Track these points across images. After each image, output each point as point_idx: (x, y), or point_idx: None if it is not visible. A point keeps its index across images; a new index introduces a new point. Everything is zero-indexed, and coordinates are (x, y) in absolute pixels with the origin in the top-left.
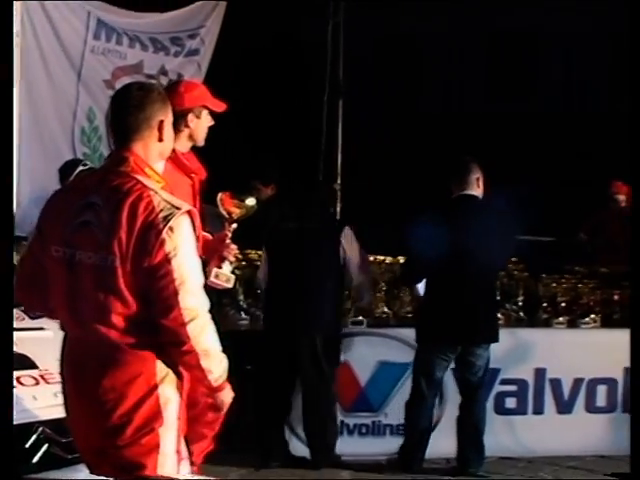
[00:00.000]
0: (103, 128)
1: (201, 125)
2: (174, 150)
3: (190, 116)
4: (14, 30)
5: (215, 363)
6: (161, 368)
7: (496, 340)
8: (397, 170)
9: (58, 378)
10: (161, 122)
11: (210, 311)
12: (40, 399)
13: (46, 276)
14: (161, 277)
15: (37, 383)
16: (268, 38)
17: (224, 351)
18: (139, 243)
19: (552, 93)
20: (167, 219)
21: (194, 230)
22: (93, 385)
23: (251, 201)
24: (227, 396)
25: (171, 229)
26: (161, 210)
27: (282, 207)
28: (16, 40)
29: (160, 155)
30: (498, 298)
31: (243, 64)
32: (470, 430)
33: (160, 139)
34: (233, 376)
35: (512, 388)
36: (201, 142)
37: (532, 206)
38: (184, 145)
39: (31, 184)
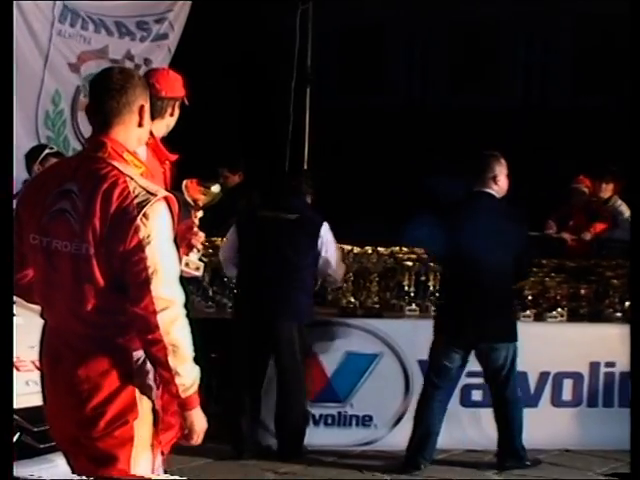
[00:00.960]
0: (68, 111)
1: (176, 116)
2: (153, 136)
3: (176, 105)
4: None
5: (184, 366)
6: (137, 359)
7: (510, 339)
8: (363, 161)
9: (30, 366)
10: (142, 107)
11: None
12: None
13: (21, 261)
14: (134, 264)
15: None
16: (236, 23)
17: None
18: (113, 230)
19: (514, 85)
20: (142, 205)
21: (172, 217)
22: (68, 375)
23: (216, 188)
24: (198, 421)
25: (145, 216)
26: (136, 196)
27: (253, 195)
28: None
29: (138, 141)
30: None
31: (210, 48)
32: (503, 429)
33: (140, 124)
34: (199, 363)
35: (478, 381)
36: (166, 133)
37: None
38: (159, 132)
39: None
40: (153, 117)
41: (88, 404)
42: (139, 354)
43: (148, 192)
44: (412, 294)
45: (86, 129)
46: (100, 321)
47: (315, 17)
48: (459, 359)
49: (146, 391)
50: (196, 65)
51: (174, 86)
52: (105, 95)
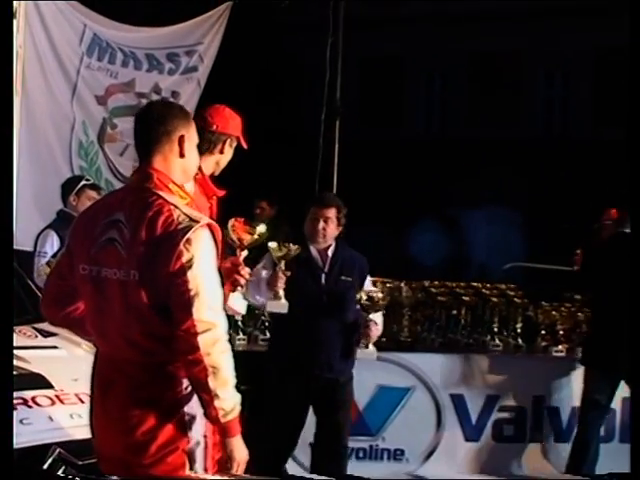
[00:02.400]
0: (96, 143)
1: (228, 155)
2: (201, 172)
3: (228, 142)
4: (17, 42)
5: (225, 390)
6: (187, 386)
7: None
8: (383, 193)
9: (73, 399)
10: (182, 137)
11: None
12: (56, 420)
13: (73, 294)
14: (177, 287)
15: (53, 403)
16: (265, 56)
17: None
18: (158, 255)
19: (534, 117)
20: (185, 231)
21: (215, 244)
22: (119, 401)
23: (262, 228)
24: (239, 449)
25: (188, 241)
26: (180, 223)
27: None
28: (20, 52)
29: (183, 172)
30: None
31: (241, 81)
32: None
33: (181, 154)
34: None
35: (510, 415)
36: (217, 172)
37: (530, 234)
38: (208, 168)
39: (29, 197)
40: (202, 151)
41: (139, 429)
42: (187, 382)
43: (191, 219)
44: (443, 327)
45: (116, 160)
46: (149, 346)
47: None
48: (610, 392)
49: (191, 419)
50: (227, 97)
51: (227, 123)
52: (145, 125)
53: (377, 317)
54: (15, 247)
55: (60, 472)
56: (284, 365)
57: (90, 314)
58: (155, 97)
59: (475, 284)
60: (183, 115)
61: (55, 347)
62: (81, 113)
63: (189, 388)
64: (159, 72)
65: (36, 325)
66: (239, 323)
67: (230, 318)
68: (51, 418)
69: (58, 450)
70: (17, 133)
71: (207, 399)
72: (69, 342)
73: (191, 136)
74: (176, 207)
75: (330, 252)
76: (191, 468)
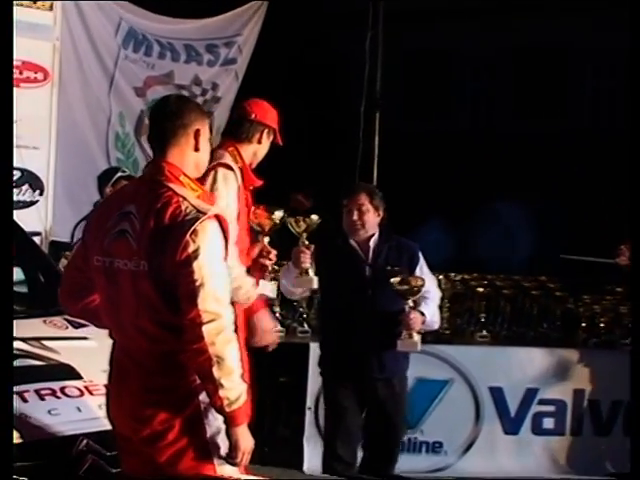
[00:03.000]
0: (133, 134)
1: (265, 147)
2: (242, 160)
3: (265, 133)
4: (54, 35)
5: (229, 378)
6: None
7: None
8: (428, 187)
9: (103, 390)
10: (197, 131)
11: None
12: (84, 411)
13: (89, 286)
14: (183, 277)
15: (82, 394)
16: (304, 48)
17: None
18: (165, 246)
19: (582, 110)
20: (191, 222)
21: (223, 235)
22: (134, 390)
23: (279, 213)
24: (244, 439)
25: (195, 232)
26: (187, 214)
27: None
28: (56, 44)
29: (196, 166)
30: None
31: (279, 74)
32: None
33: (196, 148)
34: (269, 388)
35: (550, 409)
36: (254, 165)
37: (572, 224)
38: (247, 158)
39: (66, 188)
40: (241, 140)
41: (155, 418)
42: None
43: (199, 211)
44: (483, 320)
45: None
46: (160, 335)
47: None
48: None
49: (208, 408)
50: (264, 90)
51: (266, 113)
52: (161, 118)
53: (428, 307)
54: (52, 238)
55: (88, 463)
56: (332, 368)
57: (104, 305)
58: (195, 89)
59: (515, 277)
60: (199, 109)
61: (85, 338)
62: (118, 105)
63: None
64: (198, 63)
65: (68, 316)
66: (277, 315)
67: (270, 311)
68: (79, 409)
69: (86, 441)
70: (54, 125)
71: (212, 388)
72: (100, 333)
73: (205, 131)
74: (185, 199)
75: (373, 242)
76: (218, 457)
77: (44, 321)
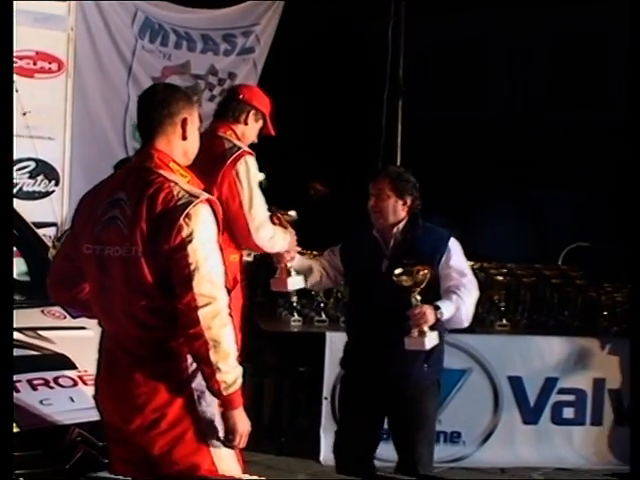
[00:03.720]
0: None
1: (252, 130)
2: None
3: (252, 114)
4: (68, 24)
5: (226, 362)
6: (192, 362)
7: None
8: (461, 176)
9: None
10: (184, 120)
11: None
12: (78, 401)
13: (78, 275)
14: (177, 261)
15: (75, 384)
16: (326, 35)
17: (276, 351)
18: (159, 231)
19: (617, 99)
20: (185, 207)
21: (216, 219)
22: (125, 379)
23: (292, 213)
24: (241, 422)
25: (188, 216)
26: (179, 199)
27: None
28: (71, 34)
29: (184, 154)
30: None
31: (299, 61)
32: None
33: (184, 137)
34: (286, 377)
35: (570, 398)
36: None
37: (594, 213)
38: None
39: (82, 179)
40: (227, 117)
41: (148, 407)
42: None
43: (191, 195)
44: (502, 309)
45: None
46: (152, 322)
47: (412, 30)
48: None
49: (200, 394)
50: (286, 76)
51: (255, 96)
52: (148, 107)
53: (451, 302)
54: (67, 229)
55: (79, 454)
56: (350, 375)
57: (95, 293)
58: (212, 78)
59: (536, 265)
60: (186, 98)
61: (83, 328)
62: (137, 94)
63: (194, 365)
64: (214, 53)
65: None
66: (295, 304)
67: (286, 300)
68: (72, 399)
69: (77, 431)
70: (69, 115)
71: (209, 372)
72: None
73: (194, 119)
74: (176, 184)
75: (394, 233)
76: (213, 442)
77: (42, 311)
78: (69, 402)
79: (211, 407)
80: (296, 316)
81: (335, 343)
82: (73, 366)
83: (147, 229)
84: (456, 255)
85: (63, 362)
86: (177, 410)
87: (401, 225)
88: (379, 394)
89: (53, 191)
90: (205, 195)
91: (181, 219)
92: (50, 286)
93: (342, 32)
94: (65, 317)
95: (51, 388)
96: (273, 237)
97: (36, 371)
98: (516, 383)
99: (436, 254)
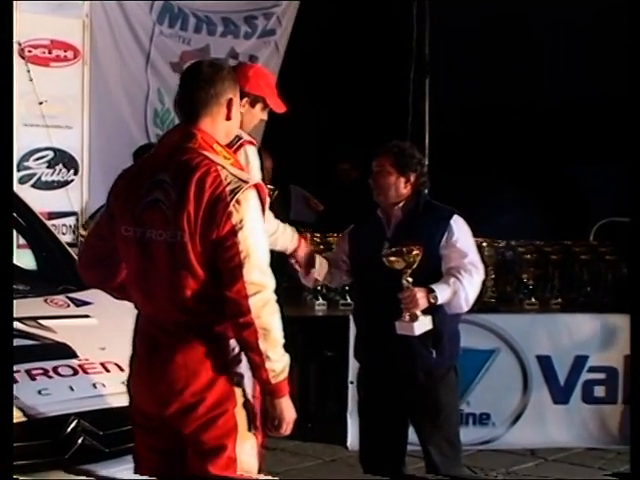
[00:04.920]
0: (172, 110)
1: (250, 115)
2: None
3: (244, 100)
4: (85, 11)
5: (275, 351)
6: (234, 347)
7: None
8: (487, 157)
9: (99, 368)
10: (230, 100)
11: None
12: (77, 390)
13: (113, 255)
14: (227, 249)
15: (75, 373)
16: (353, 14)
17: (302, 335)
18: (207, 217)
19: None
20: (234, 192)
21: (262, 205)
22: (166, 362)
23: None
24: (288, 409)
25: (238, 202)
26: (228, 183)
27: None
28: (86, 21)
29: (226, 135)
30: None
31: (325, 42)
32: None
33: (228, 117)
34: (312, 362)
35: (601, 376)
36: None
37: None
38: None
39: (102, 167)
40: None
41: (187, 390)
42: (235, 342)
43: (240, 179)
44: (531, 287)
45: None
46: (197, 308)
47: (447, 10)
48: None
49: (239, 379)
50: (308, 61)
51: (248, 79)
52: (194, 86)
53: (448, 285)
54: (88, 218)
55: (78, 443)
56: (363, 366)
57: (134, 276)
58: (232, 62)
59: (565, 241)
60: (231, 77)
61: (87, 316)
62: (156, 81)
63: (237, 349)
64: (234, 36)
65: (71, 294)
66: (320, 288)
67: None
68: (72, 388)
69: (77, 420)
70: (86, 103)
71: (258, 361)
72: (103, 310)
73: (237, 99)
74: (223, 167)
75: (396, 213)
76: (241, 430)
77: (45, 300)
78: (68, 391)
79: (248, 395)
80: (321, 300)
81: None
82: (74, 355)
83: (194, 215)
84: (458, 234)
85: (64, 351)
86: (216, 394)
87: (402, 203)
88: (392, 387)
89: (72, 180)
90: (253, 179)
91: (231, 205)
92: (81, 267)
93: (371, 11)
94: (69, 306)
95: (50, 378)
96: (274, 233)
97: (35, 361)
98: (545, 362)
99: (437, 233)
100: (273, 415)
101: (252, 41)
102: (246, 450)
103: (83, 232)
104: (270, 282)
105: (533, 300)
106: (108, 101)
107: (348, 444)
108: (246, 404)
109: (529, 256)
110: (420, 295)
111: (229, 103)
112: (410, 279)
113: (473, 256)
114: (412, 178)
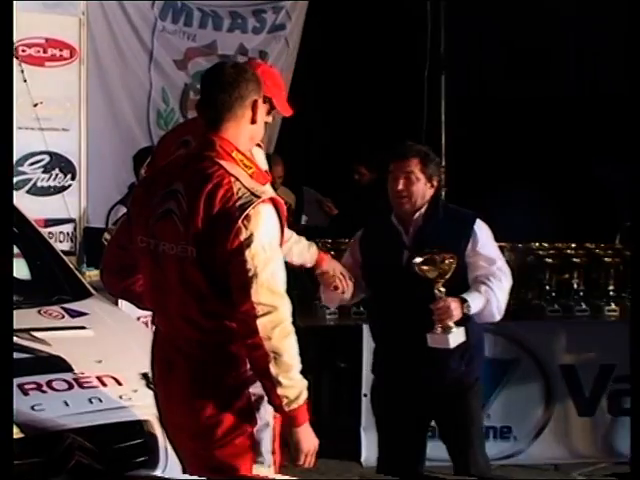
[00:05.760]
0: (178, 110)
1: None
2: None
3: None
4: (81, 9)
5: (288, 376)
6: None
7: None
8: (504, 153)
9: (94, 382)
10: (255, 102)
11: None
12: (72, 405)
13: (132, 264)
14: (235, 266)
15: (70, 387)
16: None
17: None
18: (215, 232)
19: None
20: (244, 207)
21: (279, 220)
22: (181, 382)
23: None
24: (306, 440)
25: (247, 218)
26: (239, 198)
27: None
28: (82, 19)
29: (251, 139)
30: None
31: (338, 40)
32: None
33: (253, 120)
34: (324, 374)
35: (628, 386)
36: None
37: None
38: None
39: (101, 172)
40: None
41: (203, 413)
42: None
43: (252, 194)
44: (554, 294)
45: None
46: (209, 325)
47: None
48: None
49: (258, 399)
50: (321, 59)
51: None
52: (217, 89)
53: (480, 294)
54: (87, 225)
55: (73, 461)
56: (381, 380)
57: (149, 289)
58: (241, 59)
59: (588, 245)
60: (255, 79)
61: (82, 327)
62: (159, 80)
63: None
64: (242, 31)
65: (66, 305)
66: None
67: None
68: (67, 403)
69: (72, 437)
70: (84, 105)
71: (269, 386)
72: (99, 321)
73: (262, 101)
74: (237, 179)
75: (416, 219)
76: (257, 453)
77: (39, 311)
78: (63, 407)
79: (268, 414)
80: (331, 309)
81: None
82: (69, 368)
83: (203, 229)
84: (484, 240)
85: (58, 364)
86: (234, 417)
87: (423, 210)
88: (417, 401)
89: (69, 185)
90: (268, 194)
91: (239, 221)
92: (103, 274)
93: (385, 9)
94: (63, 317)
95: (44, 392)
96: (287, 242)
97: (28, 375)
98: (569, 372)
99: (461, 240)
100: (290, 444)
101: (262, 36)
102: (262, 472)
103: (107, 236)
104: (282, 303)
105: (556, 307)
106: (107, 102)
107: (362, 460)
108: (265, 426)
109: (551, 260)
110: (454, 306)
111: (254, 105)
112: (443, 289)
113: (500, 262)
114: (435, 183)
